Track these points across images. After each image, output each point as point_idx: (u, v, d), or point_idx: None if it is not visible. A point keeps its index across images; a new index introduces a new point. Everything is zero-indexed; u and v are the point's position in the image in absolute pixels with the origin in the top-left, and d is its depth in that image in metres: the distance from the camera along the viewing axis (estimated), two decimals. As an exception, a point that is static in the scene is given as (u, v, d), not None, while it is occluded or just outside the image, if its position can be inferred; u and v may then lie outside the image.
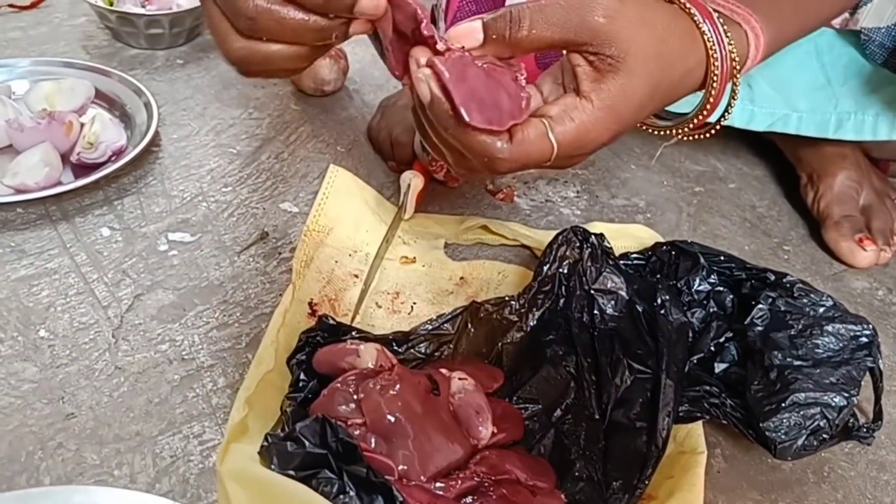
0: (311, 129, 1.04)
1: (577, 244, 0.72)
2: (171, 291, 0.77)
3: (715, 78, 0.54)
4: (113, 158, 0.90)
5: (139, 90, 0.99)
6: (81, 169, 0.89)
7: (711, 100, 0.55)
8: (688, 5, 0.54)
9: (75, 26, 1.22)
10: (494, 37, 0.49)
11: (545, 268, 0.72)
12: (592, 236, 0.72)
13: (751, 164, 1.08)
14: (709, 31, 0.53)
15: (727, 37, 0.54)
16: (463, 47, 0.50)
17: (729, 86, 0.56)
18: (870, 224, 0.93)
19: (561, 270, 0.71)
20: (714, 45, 0.53)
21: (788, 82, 0.94)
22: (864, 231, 0.92)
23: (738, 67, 0.55)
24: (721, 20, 0.54)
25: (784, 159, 1.05)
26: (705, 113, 0.56)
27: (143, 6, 1.18)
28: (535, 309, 0.71)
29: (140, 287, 0.77)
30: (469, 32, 0.49)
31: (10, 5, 1.23)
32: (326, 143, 1.01)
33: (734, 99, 0.57)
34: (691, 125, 0.58)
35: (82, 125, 0.92)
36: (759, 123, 0.96)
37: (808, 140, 1.00)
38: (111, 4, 1.16)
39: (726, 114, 0.57)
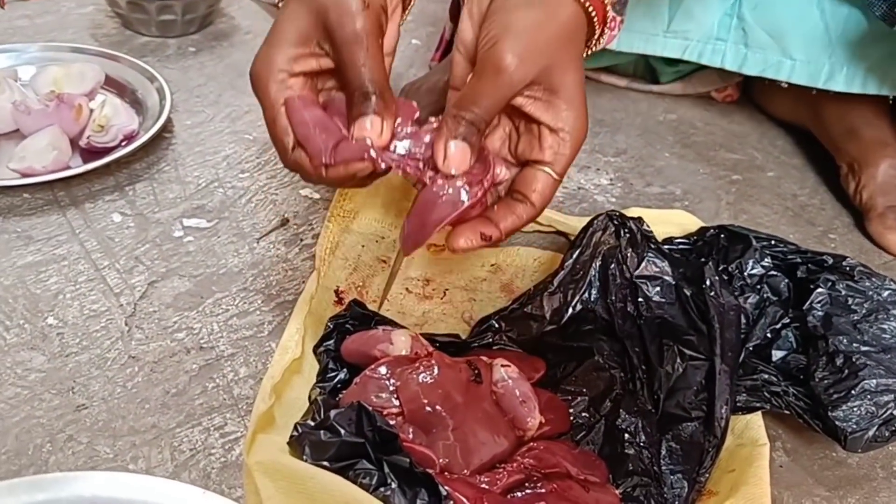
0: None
1: (613, 230, 0.67)
2: (187, 279, 0.72)
3: (593, 14, 0.58)
4: (124, 143, 0.86)
5: (151, 75, 0.95)
6: (91, 154, 0.85)
7: (597, 31, 0.59)
8: None
9: (83, 15, 1.18)
10: (474, 140, 0.54)
11: (576, 254, 0.66)
12: (630, 221, 0.67)
13: (788, 152, 1.03)
14: None
15: None
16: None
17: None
18: None
19: (596, 258, 0.66)
20: None
21: (787, 30, 0.93)
22: None
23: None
24: None
25: (822, 148, 1.00)
26: (601, 40, 0.61)
27: (155, -8, 1.13)
28: (569, 300, 0.66)
29: (154, 274, 0.72)
30: (462, 158, 0.53)
31: (16, -7, 1.19)
32: (347, 129, 0.97)
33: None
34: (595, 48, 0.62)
35: (91, 110, 0.88)
36: (750, 68, 0.96)
37: (847, 129, 0.96)
38: (121, -10, 1.12)
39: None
